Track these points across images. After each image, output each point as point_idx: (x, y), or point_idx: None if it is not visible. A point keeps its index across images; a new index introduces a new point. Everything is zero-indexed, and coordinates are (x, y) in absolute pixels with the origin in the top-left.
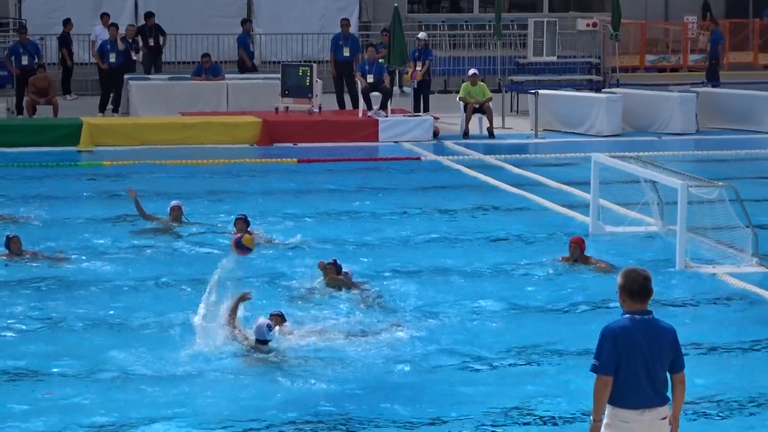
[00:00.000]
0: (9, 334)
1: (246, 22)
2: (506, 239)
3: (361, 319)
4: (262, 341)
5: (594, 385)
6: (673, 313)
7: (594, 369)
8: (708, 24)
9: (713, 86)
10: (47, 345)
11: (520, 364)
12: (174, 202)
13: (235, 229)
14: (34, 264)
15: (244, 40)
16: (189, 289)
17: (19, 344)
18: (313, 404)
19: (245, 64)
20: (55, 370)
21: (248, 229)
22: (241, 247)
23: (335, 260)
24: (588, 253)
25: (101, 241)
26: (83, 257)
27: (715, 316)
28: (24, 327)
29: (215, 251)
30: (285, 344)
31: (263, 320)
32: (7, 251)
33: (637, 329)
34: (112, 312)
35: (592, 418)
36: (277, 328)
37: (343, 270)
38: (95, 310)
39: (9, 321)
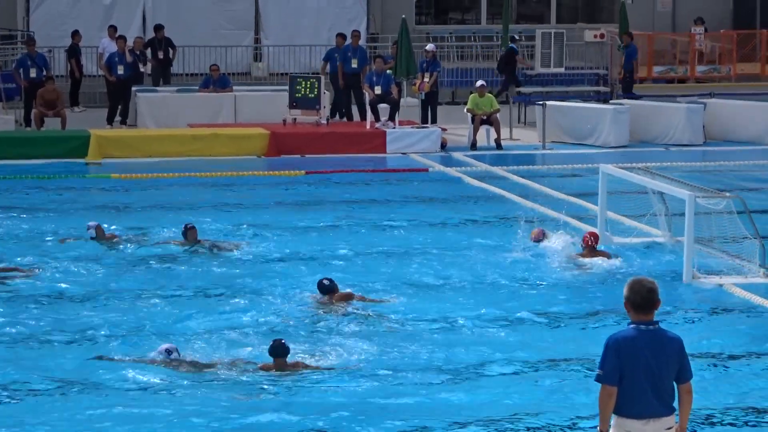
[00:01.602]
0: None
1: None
2: (514, 251)
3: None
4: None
5: (599, 395)
6: (680, 324)
7: (598, 378)
8: (624, 38)
9: (628, 98)
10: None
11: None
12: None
13: (184, 239)
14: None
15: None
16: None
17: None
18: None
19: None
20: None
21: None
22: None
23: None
24: (593, 265)
25: (108, 254)
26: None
27: (722, 327)
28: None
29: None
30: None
31: (165, 346)
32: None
33: (641, 339)
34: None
35: (599, 428)
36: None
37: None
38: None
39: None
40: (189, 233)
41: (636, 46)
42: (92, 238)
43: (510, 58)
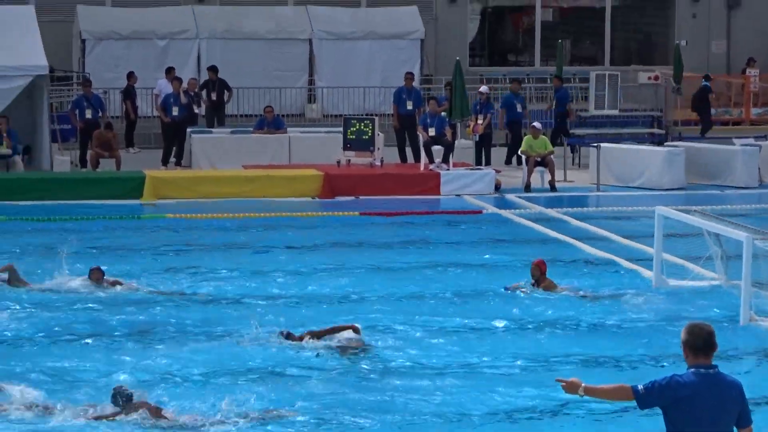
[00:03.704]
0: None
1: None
2: (589, 294)
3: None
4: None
5: (619, 392)
6: (737, 368)
7: (635, 390)
8: (555, 82)
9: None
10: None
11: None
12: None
13: (90, 279)
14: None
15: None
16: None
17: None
18: None
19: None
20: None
21: None
22: None
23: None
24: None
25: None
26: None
27: None
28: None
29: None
30: None
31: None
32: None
33: (701, 384)
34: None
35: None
36: None
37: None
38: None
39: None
40: (92, 273)
41: (567, 90)
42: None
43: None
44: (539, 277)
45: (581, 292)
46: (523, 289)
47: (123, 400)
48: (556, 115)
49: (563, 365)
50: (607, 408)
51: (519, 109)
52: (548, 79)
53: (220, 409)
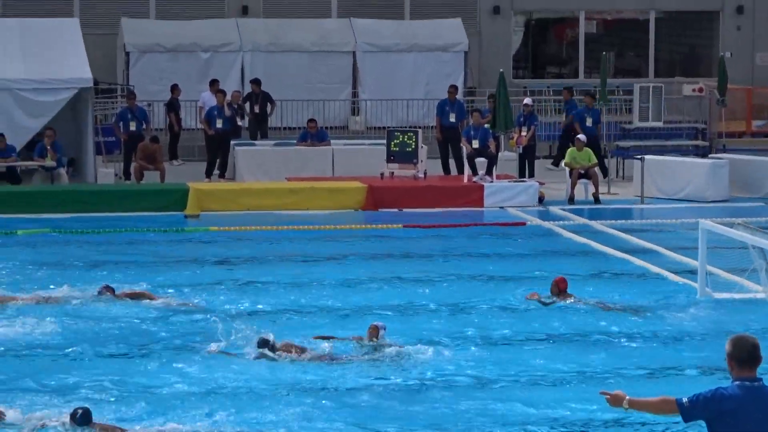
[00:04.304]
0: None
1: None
2: (614, 306)
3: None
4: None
5: (663, 405)
6: None
7: (680, 403)
8: (564, 94)
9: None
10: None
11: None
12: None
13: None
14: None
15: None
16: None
17: None
18: None
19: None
20: None
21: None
22: None
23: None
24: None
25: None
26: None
27: None
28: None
29: None
30: None
31: None
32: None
33: (746, 397)
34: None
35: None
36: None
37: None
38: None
39: None
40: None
41: (575, 102)
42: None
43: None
44: (558, 294)
45: (603, 304)
46: (545, 301)
47: (79, 421)
48: (564, 128)
49: (608, 378)
50: (649, 419)
51: (589, 123)
52: (592, 92)
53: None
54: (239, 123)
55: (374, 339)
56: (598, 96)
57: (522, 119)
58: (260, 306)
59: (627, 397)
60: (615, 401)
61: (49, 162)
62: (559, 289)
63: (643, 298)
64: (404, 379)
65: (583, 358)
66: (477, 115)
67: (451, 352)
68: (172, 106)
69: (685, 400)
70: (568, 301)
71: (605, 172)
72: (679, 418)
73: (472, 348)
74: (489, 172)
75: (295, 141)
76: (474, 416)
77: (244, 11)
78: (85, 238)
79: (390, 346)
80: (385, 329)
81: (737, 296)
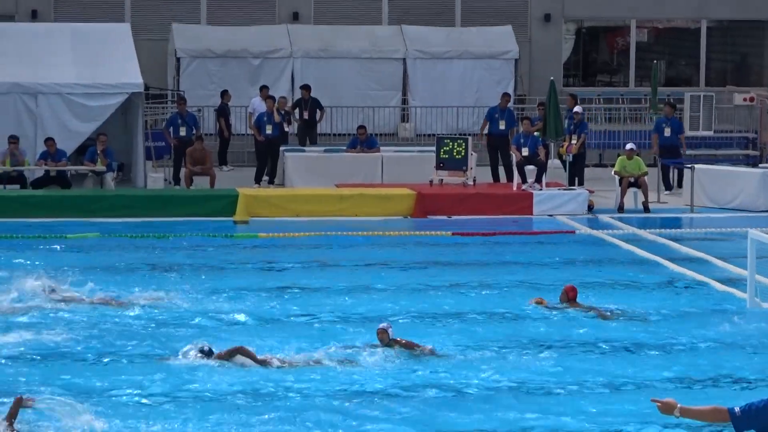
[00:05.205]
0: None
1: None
2: (664, 315)
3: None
4: None
5: (715, 414)
6: None
7: (732, 412)
8: (569, 102)
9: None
10: None
11: None
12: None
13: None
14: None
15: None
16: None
17: None
18: None
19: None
20: None
21: None
22: None
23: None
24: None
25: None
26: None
27: None
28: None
29: None
30: None
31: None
32: None
33: None
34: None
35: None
36: None
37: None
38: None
39: None
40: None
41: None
42: None
43: None
44: (567, 303)
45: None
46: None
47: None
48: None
49: (657, 385)
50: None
51: (668, 133)
52: (642, 100)
53: None
54: (286, 129)
55: (386, 340)
56: (648, 104)
57: (572, 127)
58: (309, 312)
59: (678, 405)
60: (666, 409)
61: (100, 167)
62: (568, 297)
63: (692, 307)
64: (448, 380)
65: (633, 365)
66: (527, 122)
67: (503, 360)
68: (222, 112)
69: (737, 409)
70: (576, 310)
71: (668, 185)
72: (731, 426)
73: (527, 355)
74: (538, 179)
75: (344, 147)
76: (530, 423)
77: (295, 17)
78: (134, 243)
79: (402, 342)
80: (390, 327)
81: None
